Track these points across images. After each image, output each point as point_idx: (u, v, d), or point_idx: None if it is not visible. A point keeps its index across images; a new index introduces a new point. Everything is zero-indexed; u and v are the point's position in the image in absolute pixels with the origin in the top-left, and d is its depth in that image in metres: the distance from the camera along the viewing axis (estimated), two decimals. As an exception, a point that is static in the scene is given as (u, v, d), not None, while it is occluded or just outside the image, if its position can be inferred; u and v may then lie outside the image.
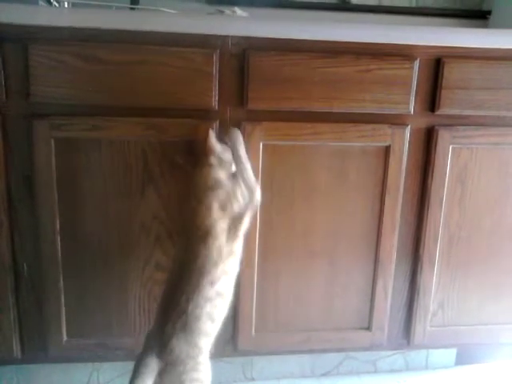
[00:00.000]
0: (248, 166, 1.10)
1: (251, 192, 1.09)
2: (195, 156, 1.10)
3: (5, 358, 1.23)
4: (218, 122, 1.15)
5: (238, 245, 1.07)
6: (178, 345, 0.99)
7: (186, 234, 1.06)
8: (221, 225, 1.04)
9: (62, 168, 1.13)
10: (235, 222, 1.06)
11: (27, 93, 1.08)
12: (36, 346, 1.23)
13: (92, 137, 1.12)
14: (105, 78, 1.09)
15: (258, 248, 1.24)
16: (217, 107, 1.14)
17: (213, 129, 1.12)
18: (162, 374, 0.99)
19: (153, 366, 0.98)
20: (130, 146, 1.14)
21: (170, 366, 0.99)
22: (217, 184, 1.05)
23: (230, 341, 1.28)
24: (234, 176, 1.08)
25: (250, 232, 1.20)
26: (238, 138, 1.11)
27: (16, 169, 1.13)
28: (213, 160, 1.06)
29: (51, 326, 1.21)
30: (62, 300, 1.20)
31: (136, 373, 0.98)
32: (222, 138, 1.11)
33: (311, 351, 1.39)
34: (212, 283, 1.01)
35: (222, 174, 1.07)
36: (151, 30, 1.09)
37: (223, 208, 1.04)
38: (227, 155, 1.08)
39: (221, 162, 1.07)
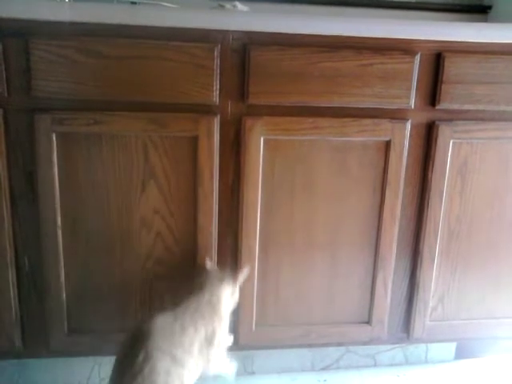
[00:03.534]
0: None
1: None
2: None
3: (6, 353, 1.23)
4: (218, 117, 1.15)
5: (215, 352, 1.05)
6: None
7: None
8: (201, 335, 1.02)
9: (64, 162, 1.13)
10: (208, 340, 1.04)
11: (28, 87, 1.08)
12: (37, 340, 1.23)
13: (93, 131, 1.12)
14: (106, 73, 1.09)
15: (259, 243, 1.24)
16: (217, 102, 1.14)
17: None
18: None
19: None
20: (132, 141, 1.15)
21: None
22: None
23: (231, 335, 1.29)
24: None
25: (251, 226, 1.22)
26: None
27: (18, 163, 1.13)
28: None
29: (53, 320, 1.21)
30: (64, 294, 1.20)
31: None
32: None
33: (311, 345, 1.40)
34: (174, 359, 0.92)
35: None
36: (152, 25, 1.09)
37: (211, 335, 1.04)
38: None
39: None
